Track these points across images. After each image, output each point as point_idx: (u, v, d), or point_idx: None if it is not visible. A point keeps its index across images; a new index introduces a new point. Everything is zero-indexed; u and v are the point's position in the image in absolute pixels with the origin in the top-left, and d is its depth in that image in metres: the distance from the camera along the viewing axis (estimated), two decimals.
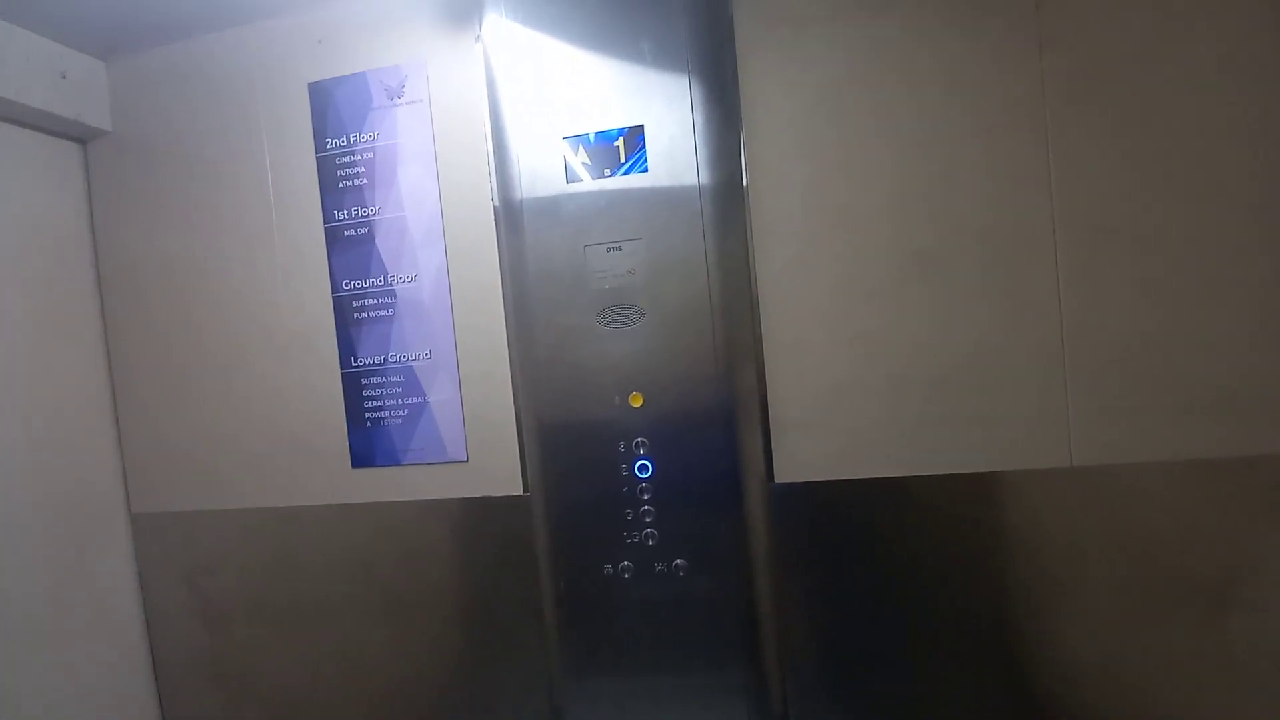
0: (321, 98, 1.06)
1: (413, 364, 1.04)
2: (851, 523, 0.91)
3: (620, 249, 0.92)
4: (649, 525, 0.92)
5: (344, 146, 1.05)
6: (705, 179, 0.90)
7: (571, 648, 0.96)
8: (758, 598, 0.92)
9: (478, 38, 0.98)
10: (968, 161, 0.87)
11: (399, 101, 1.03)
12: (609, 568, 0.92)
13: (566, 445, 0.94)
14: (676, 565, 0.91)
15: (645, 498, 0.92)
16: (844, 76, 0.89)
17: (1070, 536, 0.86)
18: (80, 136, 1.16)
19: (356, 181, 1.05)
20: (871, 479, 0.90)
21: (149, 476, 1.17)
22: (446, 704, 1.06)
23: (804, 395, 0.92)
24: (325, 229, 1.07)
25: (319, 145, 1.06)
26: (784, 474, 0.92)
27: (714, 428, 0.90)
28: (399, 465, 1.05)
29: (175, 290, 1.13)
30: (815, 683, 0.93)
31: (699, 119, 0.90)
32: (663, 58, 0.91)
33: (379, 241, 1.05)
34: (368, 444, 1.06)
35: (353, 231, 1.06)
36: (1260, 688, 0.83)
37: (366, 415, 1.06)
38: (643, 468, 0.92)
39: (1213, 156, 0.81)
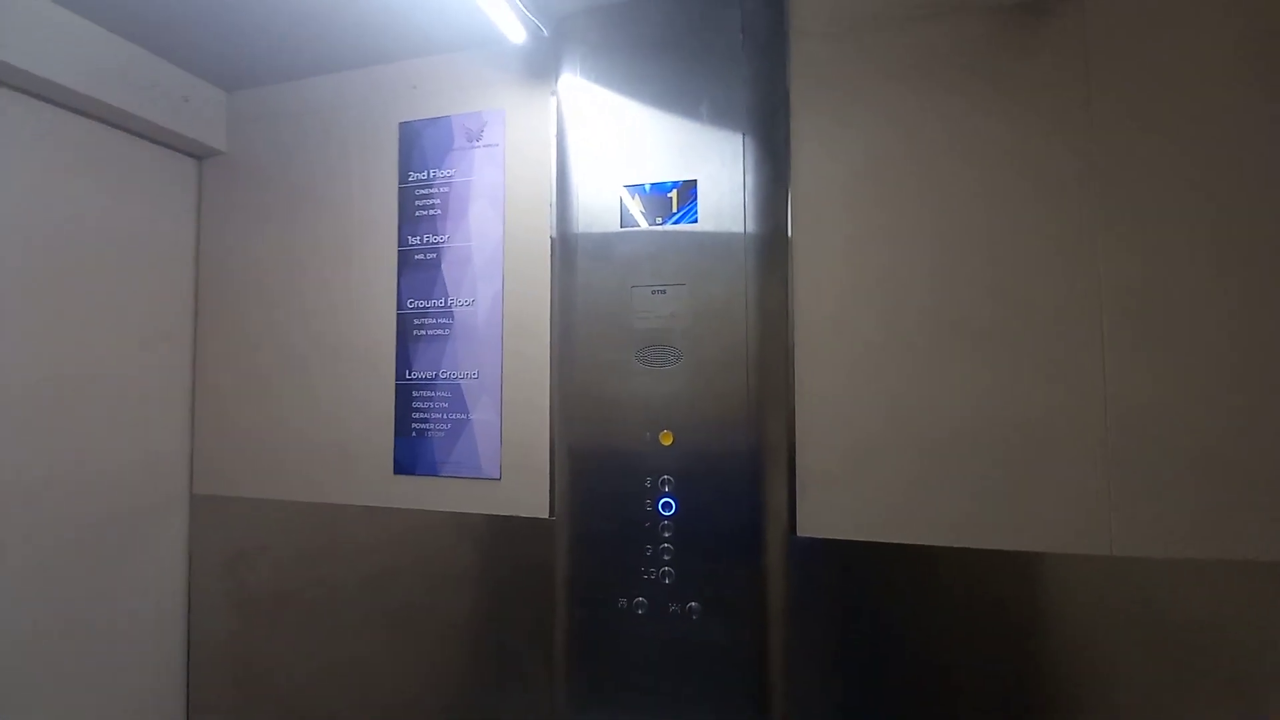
0: (410, 136, 1.17)
1: (461, 382, 1.11)
2: (873, 586, 0.90)
3: (665, 292, 0.97)
4: (667, 563, 0.93)
5: (424, 180, 1.16)
6: (751, 236, 0.95)
7: (578, 678, 0.97)
8: (770, 650, 0.91)
9: (553, 92, 1.07)
10: (1014, 232, 0.88)
11: (477, 144, 1.13)
12: (624, 601, 0.94)
13: (595, 475, 0.98)
14: (691, 607, 0.92)
15: (666, 535, 0.93)
16: (894, 141, 0.93)
17: (1103, 626, 0.82)
18: (197, 153, 1.32)
19: (431, 212, 1.15)
20: (897, 544, 0.89)
21: (212, 462, 1.27)
22: None
23: (833, 451, 0.92)
24: (398, 252, 1.17)
25: (402, 177, 1.17)
26: (807, 528, 0.92)
27: (740, 473, 0.92)
28: (436, 476, 1.10)
29: (262, 297, 1.25)
30: None
31: (750, 178, 0.95)
32: (720, 119, 0.97)
33: (444, 267, 1.14)
34: (411, 453, 1.12)
35: (422, 256, 1.16)
36: None
37: (413, 426, 1.13)
38: (666, 505, 0.93)
39: (1272, 238, 0.80)
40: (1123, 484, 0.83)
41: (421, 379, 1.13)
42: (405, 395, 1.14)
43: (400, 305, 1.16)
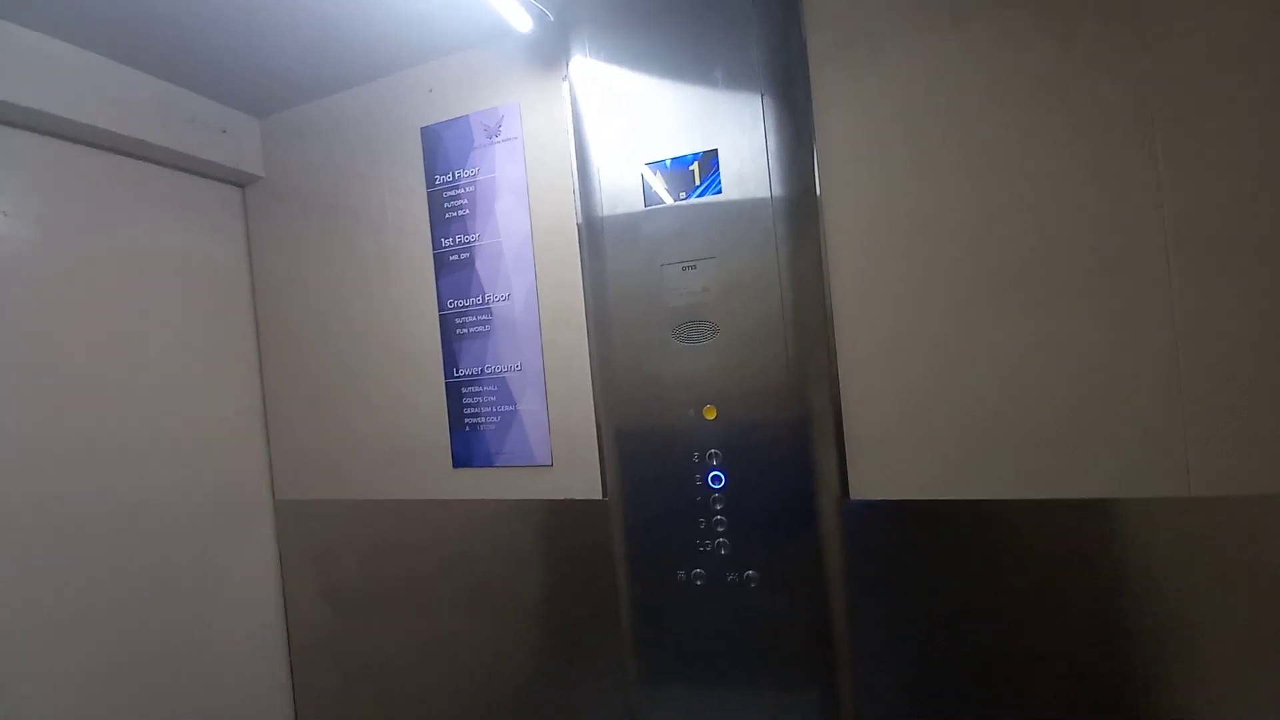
0: (431, 140, 1.20)
1: (505, 375, 1.14)
2: (933, 545, 0.88)
3: (695, 267, 0.96)
4: (721, 535, 0.94)
5: (450, 182, 1.18)
6: (778, 200, 0.93)
7: (645, 651, 1.00)
8: (831, 616, 0.91)
9: (565, 77, 1.06)
10: (1060, 171, 0.82)
11: (496, 140, 1.14)
12: (682, 574, 0.96)
13: (643, 454, 0.99)
14: (748, 576, 0.93)
15: (718, 508, 0.95)
16: (922, 87, 0.88)
17: (1184, 571, 0.78)
18: (239, 181, 1.39)
19: (460, 212, 1.18)
20: (954, 500, 0.87)
21: (290, 469, 1.36)
22: (528, 697, 1.14)
23: (881, 410, 0.90)
24: (434, 255, 1.21)
25: (429, 181, 1.20)
26: (860, 491, 0.92)
27: (787, 441, 0.92)
28: (492, 467, 1.15)
29: (314, 312, 1.32)
30: (892, 710, 0.91)
31: (772, 140, 0.93)
32: (736, 82, 0.95)
33: (478, 265, 1.17)
34: (466, 447, 1.17)
35: (456, 257, 1.19)
36: None
37: (466, 421, 1.18)
38: (715, 478, 0.95)
39: None
40: (1198, 422, 0.78)
41: (468, 375, 1.18)
42: (455, 392, 1.19)
43: (441, 306, 1.20)
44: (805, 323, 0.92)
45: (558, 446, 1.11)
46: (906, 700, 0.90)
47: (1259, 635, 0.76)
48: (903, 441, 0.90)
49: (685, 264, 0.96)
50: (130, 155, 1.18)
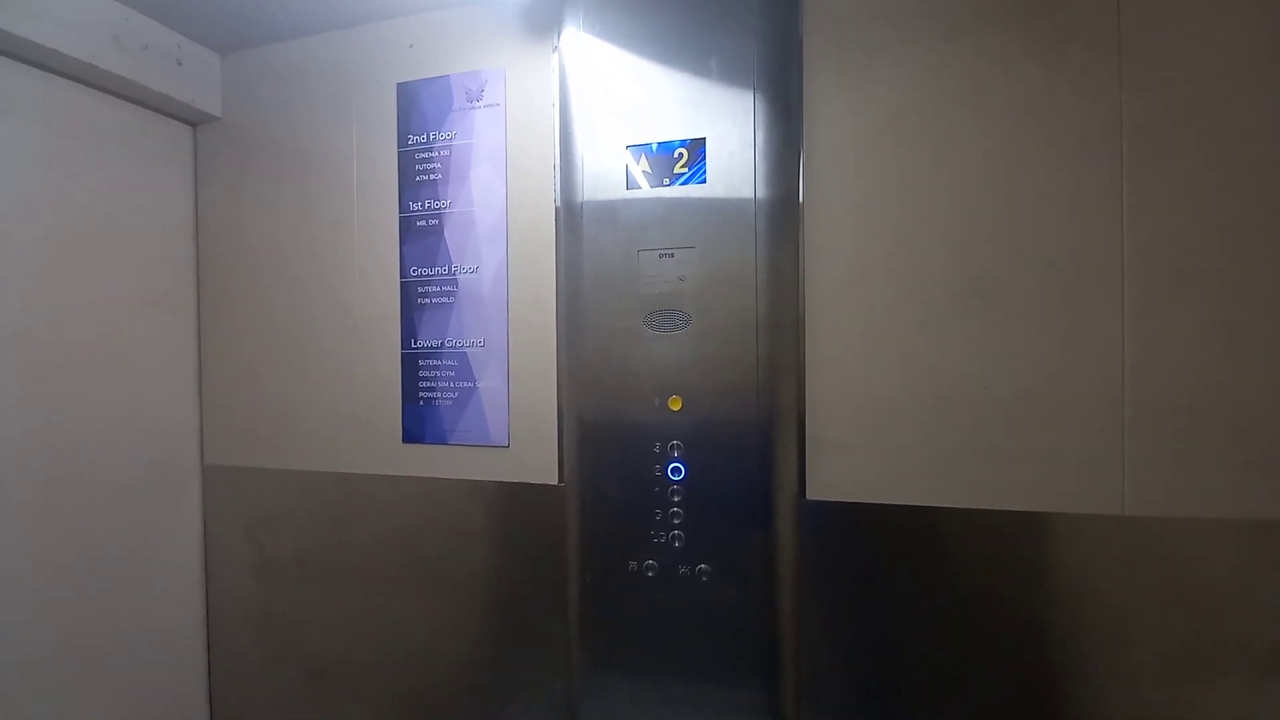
0: (407, 97, 1.14)
1: (467, 350, 1.10)
2: (884, 548, 0.90)
3: (673, 255, 0.95)
4: (677, 527, 0.93)
5: (423, 144, 1.13)
6: (762, 194, 0.92)
7: (592, 638, 0.98)
8: (780, 613, 0.92)
9: (555, 48, 1.03)
10: (1034, 192, 0.85)
11: (477, 104, 1.10)
12: (634, 564, 0.95)
13: (604, 440, 0.97)
14: (701, 570, 0.92)
15: (676, 499, 0.93)
16: (912, 100, 0.89)
17: (1116, 588, 0.82)
18: (191, 120, 1.28)
19: (432, 176, 1.12)
20: (908, 506, 0.89)
21: (222, 434, 1.28)
22: (470, 681, 1.10)
23: (843, 414, 0.91)
24: (400, 218, 1.15)
25: (401, 140, 1.14)
26: (817, 491, 0.92)
27: (750, 437, 0.91)
28: (445, 444, 1.11)
29: (263, 266, 1.24)
30: (832, 706, 0.92)
31: (760, 136, 0.92)
32: (729, 74, 0.93)
33: (447, 234, 1.12)
34: (419, 422, 1.12)
35: (424, 223, 1.13)
36: None
37: (420, 395, 1.12)
38: (675, 470, 0.93)
39: None
40: (1138, 445, 0.82)
41: (427, 348, 1.12)
42: (411, 364, 1.13)
43: (403, 273, 1.14)
44: (778, 322, 0.92)
45: (516, 427, 1.07)
46: (847, 697, 0.92)
47: (1183, 650, 0.80)
48: (862, 446, 0.91)
49: (663, 251, 0.94)
50: (76, 79, 1.08)
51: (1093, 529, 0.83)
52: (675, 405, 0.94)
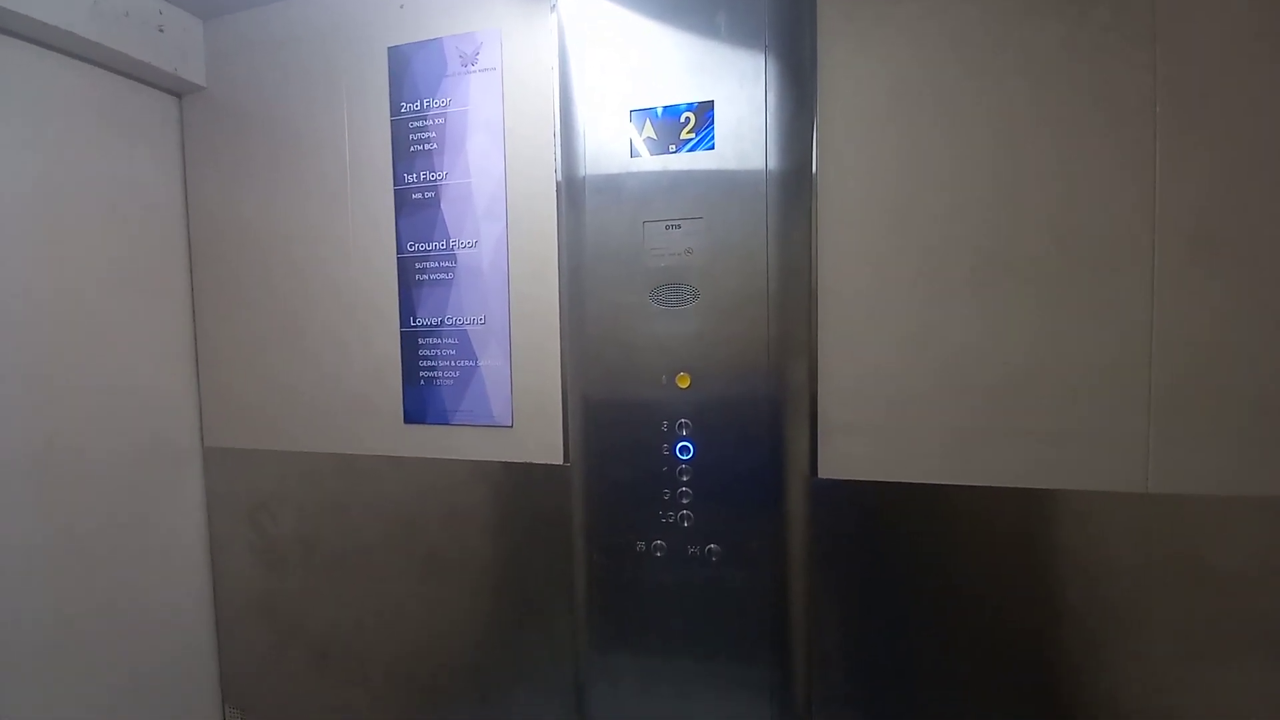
0: (399, 62, 1.08)
1: (467, 328, 1.07)
2: (897, 527, 0.88)
3: (679, 227, 0.91)
4: (685, 507, 0.91)
5: (417, 111, 1.08)
6: (773, 163, 0.88)
7: (599, 621, 0.97)
8: (791, 593, 0.90)
9: (553, 7, 0.97)
10: (1061, 161, 0.80)
11: (472, 69, 1.04)
12: (642, 544, 0.93)
13: (610, 419, 0.95)
14: (710, 550, 0.91)
15: (684, 479, 0.91)
16: (935, 61, 0.84)
17: (1136, 566, 0.80)
18: (176, 90, 1.23)
19: (427, 146, 1.08)
20: (922, 484, 0.87)
21: (222, 416, 1.25)
22: (475, 663, 1.10)
23: (857, 391, 0.88)
24: (395, 191, 1.10)
25: (394, 109, 1.09)
26: (829, 470, 0.90)
27: (760, 415, 0.89)
28: (448, 425, 1.08)
29: (256, 244, 1.20)
30: (843, 687, 0.91)
31: (772, 99, 0.87)
32: (738, 33, 0.88)
33: (444, 206, 1.08)
34: (420, 402, 1.10)
35: (420, 195, 1.09)
36: None
37: (421, 374, 1.10)
38: (684, 449, 0.91)
39: None
40: (1164, 420, 0.79)
41: (426, 326, 1.09)
42: (411, 343, 1.10)
43: (400, 249, 1.10)
44: (789, 297, 0.89)
45: (520, 406, 1.04)
46: (859, 676, 0.91)
47: (1201, 630, 0.79)
48: (876, 424, 0.88)
49: (670, 222, 0.90)
50: (53, 49, 1.02)
51: (1114, 507, 0.81)
52: (683, 383, 0.91)
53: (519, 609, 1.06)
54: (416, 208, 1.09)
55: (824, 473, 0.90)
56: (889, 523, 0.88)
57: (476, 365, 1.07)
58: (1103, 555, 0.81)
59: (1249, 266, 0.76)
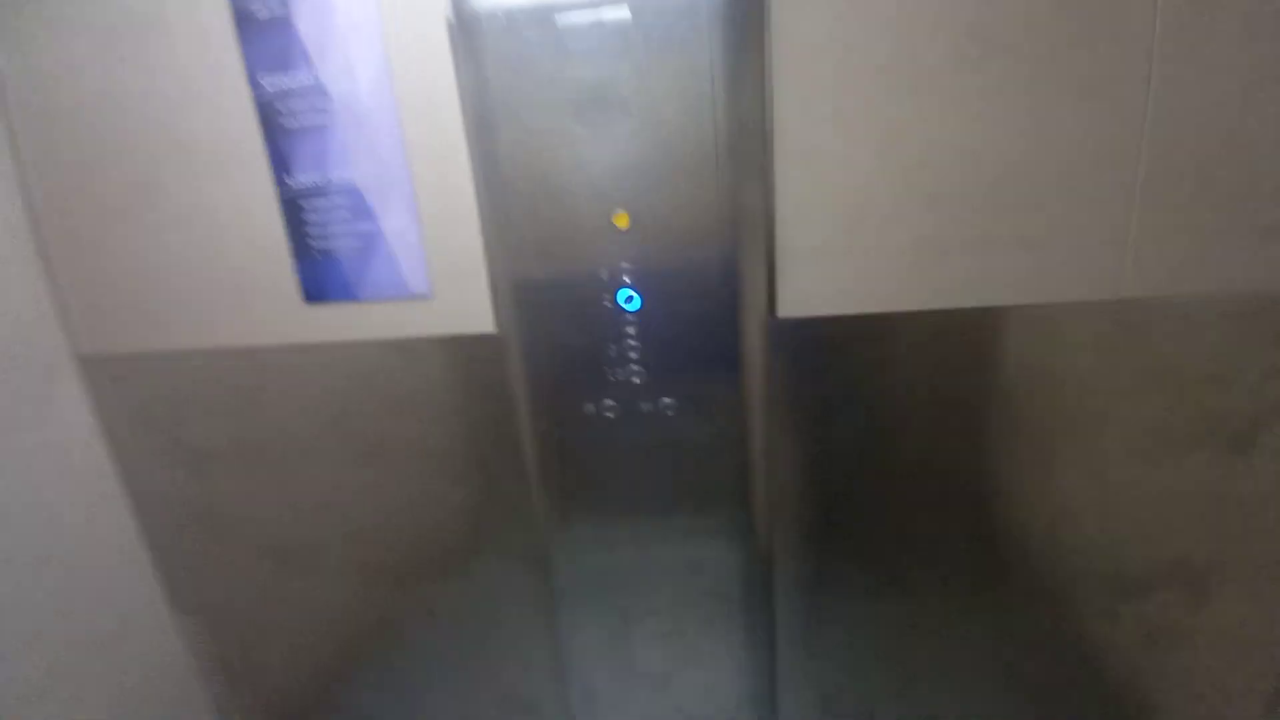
0: None
1: (357, 183, 0.88)
2: (863, 363, 0.83)
3: (602, 22, 0.72)
4: (634, 362, 0.83)
5: None
6: None
7: (554, 489, 0.93)
8: (751, 439, 0.86)
9: None
10: None
11: None
12: (590, 406, 0.85)
13: (541, 275, 0.82)
14: (664, 405, 0.84)
15: (630, 332, 0.82)
16: None
17: (1097, 377, 0.78)
18: None
19: None
20: (887, 314, 0.80)
21: (91, 316, 1.06)
22: (434, 545, 1.06)
23: (819, 213, 0.78)
24: (232, 8, 0.85)
25: None
26: (789, 308, 0.82)
27: (710, 252, 0.78)
28: (356, 301, 0.94)
29: (79, 104, 0.93)
30: (803, 525, 0.92)
31: None
32: None
33: (299, 25, 0.84)
34: (318, 277, 0.94)
35: (267, 13, 0.84)
36: (1267, 530, 0.80)
37: (312, 244, 0.92)
38: (628, 299, 0.80)
39: None
40: (1147, 216, 0.72)
41: (307, 185, 0.90)
42: (293, 207, 0.91)
43: (254, 85, 0.87)
44: (739, 105, 0.74)
45: (437, 272, 0.90)
46: (819, 514, 0.91)
47: (1153, 431, 0.79)
48: (840, 249, 0.79)
49: (587, 5, 0.71)
50: None
51: (1085, 316, 0.77)
52: (622, 222, 0.78)
53: (472, 486, 1.00)
54: (264, 29, 0.85)
55: (783, 311, 0.82)
56: (853, 358, 0.83)
57: (378, 228, 0.90)
58: (1067, 368, 0.79)
59: (1251, 18, 0.65)
